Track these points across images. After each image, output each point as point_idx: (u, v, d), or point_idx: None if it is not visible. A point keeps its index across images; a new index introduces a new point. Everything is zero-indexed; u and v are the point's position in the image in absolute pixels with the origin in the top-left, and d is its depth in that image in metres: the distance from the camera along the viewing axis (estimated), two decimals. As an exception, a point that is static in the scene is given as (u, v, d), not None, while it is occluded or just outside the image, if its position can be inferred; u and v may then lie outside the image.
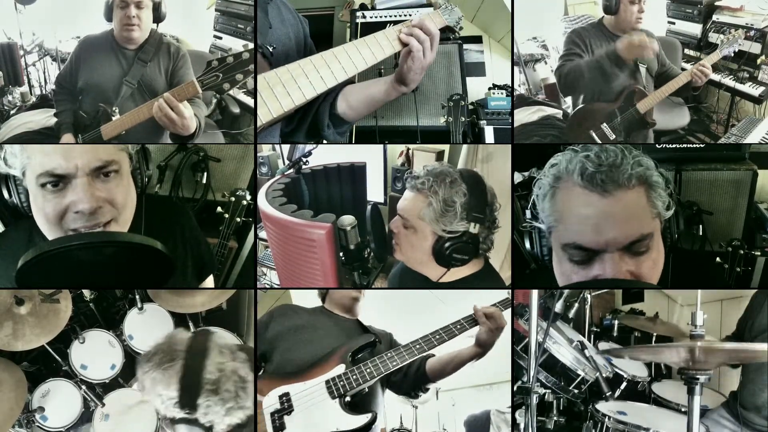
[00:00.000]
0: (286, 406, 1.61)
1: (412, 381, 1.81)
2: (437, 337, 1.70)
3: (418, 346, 1.69)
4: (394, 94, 1.68)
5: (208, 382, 1.37)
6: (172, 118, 1.77)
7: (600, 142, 2.21)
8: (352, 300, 1.91)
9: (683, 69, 2.32)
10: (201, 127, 2.00)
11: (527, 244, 1.39)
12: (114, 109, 1.98)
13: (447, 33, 1.79)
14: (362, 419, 1.59)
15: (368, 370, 1.65)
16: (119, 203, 1.33)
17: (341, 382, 1.64)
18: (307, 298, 2.05)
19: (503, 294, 1.79)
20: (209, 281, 1.81)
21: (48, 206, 1.28)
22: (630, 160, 1.13)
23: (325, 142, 1.81)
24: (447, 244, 1.58)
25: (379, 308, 2.14)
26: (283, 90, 1.41)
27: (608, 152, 1.15)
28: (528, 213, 1.32)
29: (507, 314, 1.75)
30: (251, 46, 1.63)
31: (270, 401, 1.63)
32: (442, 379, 1.81)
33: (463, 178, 1.60)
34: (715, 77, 2.45)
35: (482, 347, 1.70)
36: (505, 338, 1.98)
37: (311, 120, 1.73)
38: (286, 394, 1.63)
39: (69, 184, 1.27)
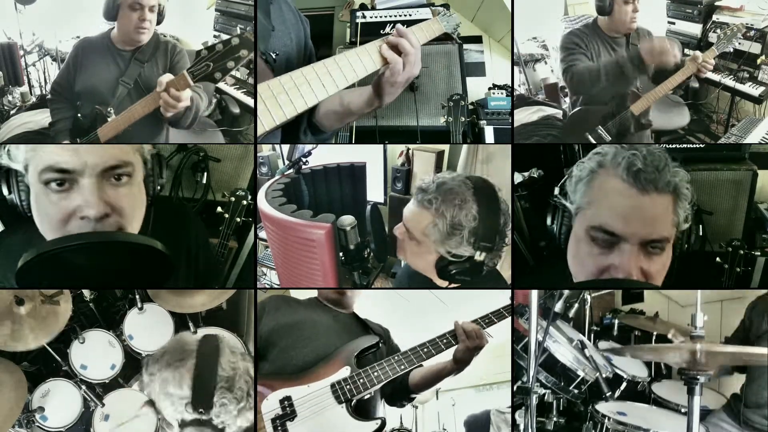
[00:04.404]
0: (288, 411, 1.53)
1: (394, 391, 1.77)
2: (444, 340, 1.66)
3: (425, 350, 1.65)
4: (367, 108, 1.63)
5: (222, 379, 1.33)
6: (168, 100, 1.74)
7: (595, 143, 2.21)
8: (337, 294, 1.86)
9: (682, 64, 2.30)
10: (198, 111, 2.00)
11: (548, 220, 1.39)
12: (109, 109, 1.97)
13: (444, 40, 1.80)
14: (372, 425, 1.54)
15: (375, 374, 1.59)
16: (127, 212, 1.25)
17: (347, 386, 1.57)
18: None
19: (504, 298, 1.78)
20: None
21: (52, 209, 1.20)
22: (670, 169, 1.24)
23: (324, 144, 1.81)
24: (450, 267, 1.54)
25: (380, 307, 2.14)
26: (286, 98, 1.39)
27: (654, 155, 1.24)
28: (557, 190, 1.37)
29: (494, 328, 1.71)
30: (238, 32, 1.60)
31: (270, 406, 1.52)
32: (422, 391, 1.78)
33: (475, 197, 1.52)
34: (715, 77, 2.45)
35: (458, 364, 1.65)
36: (505, 338, 1.99)
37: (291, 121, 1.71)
38: (288, 398, 1.54)
39: (76, 184, 1.19)
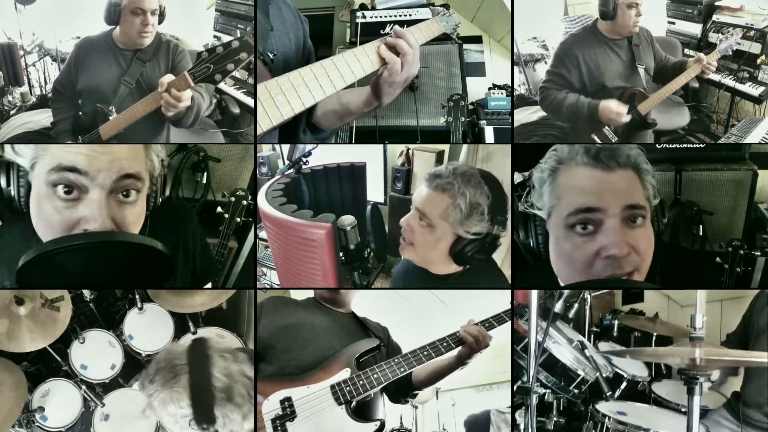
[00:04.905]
0: (288, 412, 1.53)
1: (398, 388, 1.78)
2: (444, 344, 1.67)
3: (425, 353, 1.66)
4: (366, 108, 1.65)
5: (219, 391, 1.31)
6: (169, 101, 1.78)
7: (601, 143, 2.21)
8: (331, 292, 1.86)
9: (682, 63, 2.31)
10: (200, 111, 2.03)
11: (521, 235, 1.39)
12: (111, 108, 1.98)
13: (444, 40, 1.81)
14: (371, 427, 1.55)
15: (375, 376, 1.60)
16: (129, 228, 1.26)
17: (347, 388, 1.58)
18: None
19: (504, 298, 1.78)
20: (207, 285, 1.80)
21: (56, 217, 1.20)
22: (625, 147, 1.28)
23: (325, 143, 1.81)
24: (470, 246, 1.58)
25: (379, 307, 2.14)
26: (283, 99, 1.39)
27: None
28: (521, 205, 1.37)
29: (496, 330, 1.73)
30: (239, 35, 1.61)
31: (270, 406, 1.53)
32: (426, 387, 1.80)
33: (484, 179, 1.60)
34: (715, 77, 2.45)
35: (462, 362, 1.70)
36: (505, 338, 1.99)
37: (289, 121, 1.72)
38: (288, 399, 1.55)
39: (84, 195, 1.19)
